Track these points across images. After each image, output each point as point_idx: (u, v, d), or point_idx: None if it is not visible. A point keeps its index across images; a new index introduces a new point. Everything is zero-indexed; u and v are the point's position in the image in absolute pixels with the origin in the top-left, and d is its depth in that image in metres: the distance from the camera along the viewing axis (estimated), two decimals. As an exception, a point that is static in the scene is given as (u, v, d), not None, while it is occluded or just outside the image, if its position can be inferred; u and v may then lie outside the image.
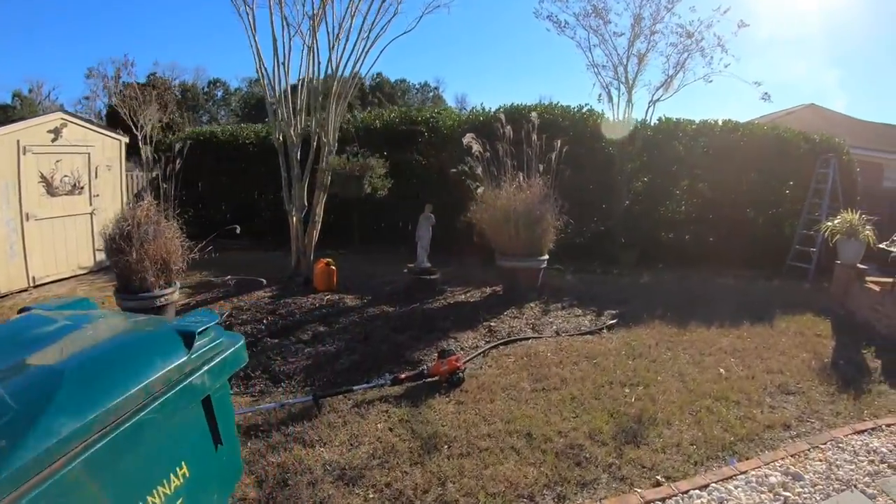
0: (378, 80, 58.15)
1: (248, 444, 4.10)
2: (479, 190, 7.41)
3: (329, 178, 7.81)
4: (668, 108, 30.00)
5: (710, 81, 10.86)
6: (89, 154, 8.80)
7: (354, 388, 4.83)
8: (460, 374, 4.97)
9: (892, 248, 7.63)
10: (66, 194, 8.43)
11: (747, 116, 11.61)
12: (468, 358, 5.52)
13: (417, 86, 69.05)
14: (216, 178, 12.84)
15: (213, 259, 7.20)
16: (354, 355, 5.54)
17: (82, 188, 8.69)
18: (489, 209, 7.39)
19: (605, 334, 6.44)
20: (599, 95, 11.23)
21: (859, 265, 7.92)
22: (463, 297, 7.58)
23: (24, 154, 7.72)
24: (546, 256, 7.55)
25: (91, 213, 8.83)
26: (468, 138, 7.39)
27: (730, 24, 16.39)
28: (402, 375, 4.96)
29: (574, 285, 8.73)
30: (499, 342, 5.97)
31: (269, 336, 5.93)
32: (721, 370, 5.50)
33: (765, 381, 5.31)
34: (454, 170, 7.55)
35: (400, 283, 7.69)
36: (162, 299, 5.88)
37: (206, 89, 56.30)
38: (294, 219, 7.62)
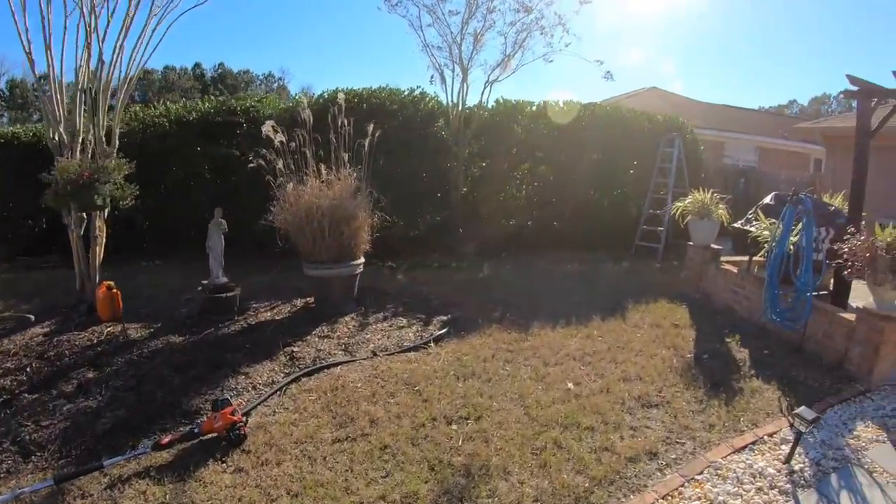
0: (220, 70, 54.68)
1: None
2: (289, 187, 6.74)
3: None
4: (506, 90, 30.36)
5: (551, 61, 10.69)
6: None
7: (105, 463, 4.12)
8: (239, 429, 4.44)
9: (748, 228, 7.39)
10: None
11: (590, 99, 11.74)
12: (258, 401, 4.94)
13: (262, 76, 66.71)
14: (19, 187, 10.72)
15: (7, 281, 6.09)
16: (121, 410, 4.76)
17: None
18: (291, 208, 6.70)
19: (433, 349, 6.07)
20: (432, 77, 10.72)
21: (713, 245, 8.08)
22: (268, 314, 6.90)
23: None
24: (361, 260, 7.02)
25: None
26: (267, 127, 6.55)
27: (571, 2, 16.25)
28: (165, 440, 4.32)
29: (403, 287, 8.30)
30: (299, 374, 5.41)
31: (28, 391, 4.99)
32: (570, 385, 5.21)
33: (622, 392, 5.04)
34: (251, 164, 6.79)
35: (198, 302, 6.88)
36: None
37: (35, 84, 49.96)
38: (73, 235, 6.51)
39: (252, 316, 6.74)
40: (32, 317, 6.59)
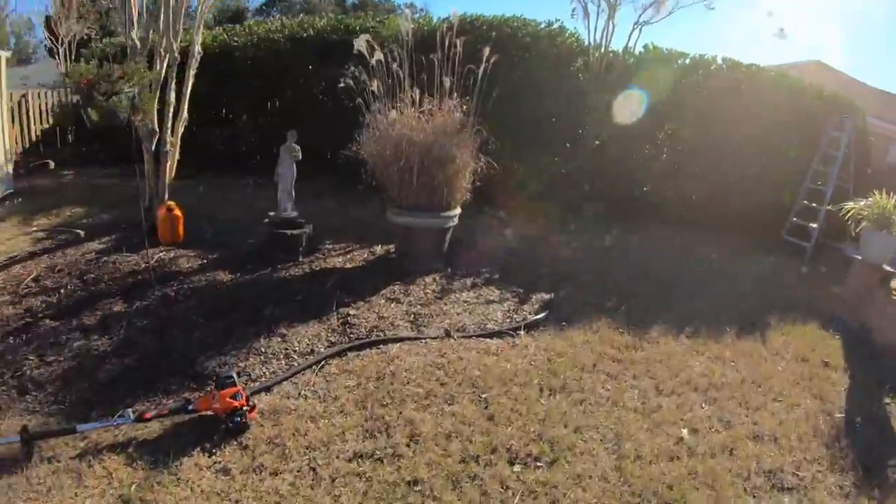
0: (360, -5, 53.28)
1: None
2: (383, 113, 5.54)
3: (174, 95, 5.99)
4: (657, 35, 25.51)
5: (712, 8, 8.59)
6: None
7: (78, 428, 3.52)
8: (241, 416, 3.55)
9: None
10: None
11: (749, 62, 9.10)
12: (283, 377, 4.05)
13: (404, 4, 65.01)
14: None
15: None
16: (131, 357, 4.15)
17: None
18: (381, 140, 5.54)
19: (521, 339, 4.76)
20: (573, 10, 8.75)
21: (886, 267, 5.98)
22: (339, 260, 5.87)
23: None
24: (456, 211, 5.72)
25: None
26: (361, 42, 5.41)
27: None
28: (149, 414, 3.61)
29: (506, 247, 6.81)
30: (345, 346, 4.41)
31: (52, 316, 4.56)
32: (684, 431, 3.80)
33: (749, 458, 3.61)
34: (341, 84, 5.64)
35: (262, 236, 6.01)
36: None
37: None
38: (144, 148, 5.96)
39: (319, 260, 5.82)
40: (81, 233, 6.25)
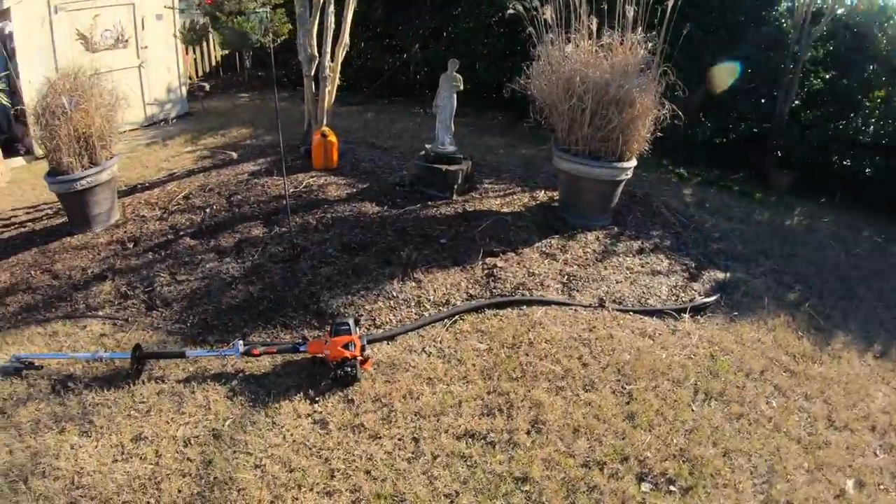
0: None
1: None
2: (568, 47, 4.58)
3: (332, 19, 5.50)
4: None
5: None
6: (134, 4, 7.63)
7: (188, 353, 3.37)
8: (351, 367, 3.13)
9: None
10: (107, 49, 7.39)
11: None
12: (410, 328, 3.57)
13: None
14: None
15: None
16: (256, 286, 3.92)
17: (127, 41, 7.61)
18: (552, 75, 4.61)
19: (685, 324, 3.80)
20: None
21: None
22: (496, 202, 5.05)
23: (56, 14, 6.72)
24: (631, 163, 4.62)
25: (139, 67, 7.79)
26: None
27: None
28: (257, 350, 3.33)
29: (683, 209, 5.52)
30: (483, 303, 3.79)
31: (192, 235, 4.52)
32: (848, 483, 2.80)
33: None
34: (510, 9, 4.70)
35: (417, 168, 5.28)
36: (83, 182, 4.59)
37: None
38: (303, 73, 5.67)
39: (474, 200, 5.11)
40: (234, 154, 6.16)
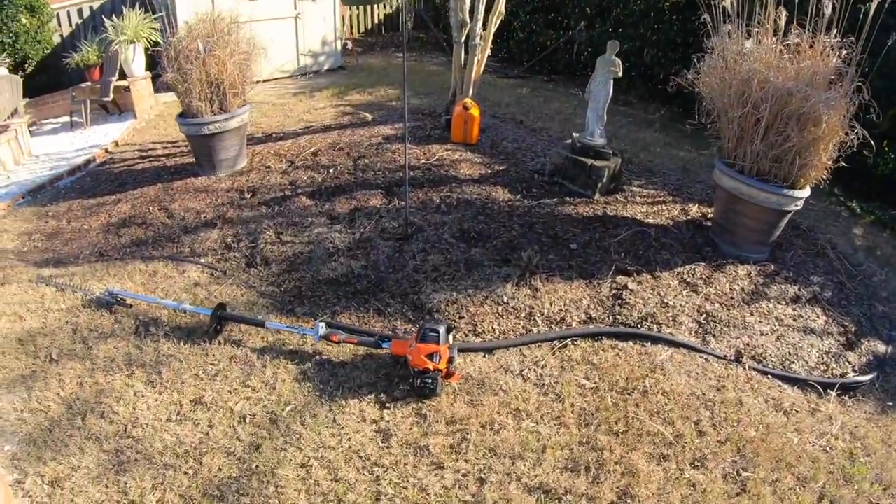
0: None
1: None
2: (748, 44, 3.69)
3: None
4: None
5: None
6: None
7: (268, 324, 3.19)
8: (431, 380, 2.70)
9: None
10: (267, -2, 7.80)
11: None
12: (517, 342, 3.06)
13: None
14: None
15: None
16: (359, 262, 3.61)
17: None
18: (725, 72, 3.70)
19: (830, 403, 2.92)
20: None
21: None
22: (642, 210, 4.22)
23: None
24: (805, 192, 3.60)
25: (296, 17, 7.75)
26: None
27: None
28: (336, 337, 3.03)
29: (850, 252, 4.18)
30: (602, 330, 3.15)
31: (309, 195, 4.30)
32: None
33: None
34: None
35: (560, 158, 4.52)
36: (211, 127, 4.55)
37: None
38: (453, 38, 5.17)
39: (617, 204, 4.32)
40: (369, 116, 5.84)
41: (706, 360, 3.08)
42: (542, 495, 2.35)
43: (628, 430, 2.66)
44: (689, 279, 3.54)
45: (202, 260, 3.79)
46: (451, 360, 2.79)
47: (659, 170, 5.15)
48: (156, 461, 2.50)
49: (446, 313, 3.22)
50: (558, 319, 3.23)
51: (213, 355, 3.01)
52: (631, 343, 3.15)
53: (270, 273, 3.61)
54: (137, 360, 3.01)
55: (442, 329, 2.80)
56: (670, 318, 3.28)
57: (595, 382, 2.89)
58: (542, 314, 3.26)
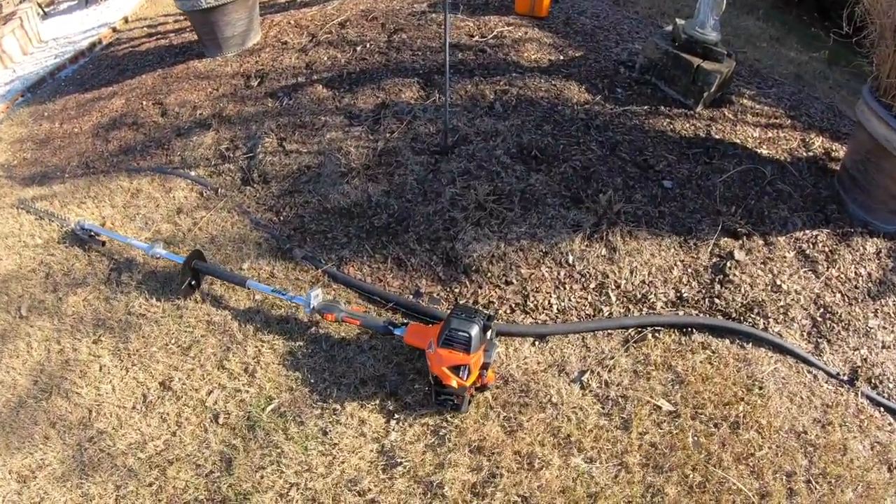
0: None
1: None
2: None
3: None
4: None
5: None
6: None
7: (248, 284, 2.47)
8: (454, 397, 2.01)
9: None
10: None
11: None
12: (577, 327, 2.27)
13: None
14: None
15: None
16: (379, 185, 2.75)
17: None
18: None
19: None
20: None
21: None
22: (753, 134, 3.01)
23: None
24: None
25: None
26: None
27: None
28: (331, 315, 2.28)
29: None
30: (692, 321, 2.26)
31: (327, 83, 3.33)
32: None
33: None
34: None
35: (656, 51, 3.21)
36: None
37: None
38: None
39: (724, 122, 3.10)
40: None
41: (815, 377, 2.21)
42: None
43: (706, 481, 1.92)
44: (808, 251, 2.51)
45: (192, 173, 3.07)
46: (485, 367, 2.03)
47: (769, 75, 3.74)
48: (119, 465, 2.04)
49: (489, 275, 2.41)
50: (639, 297, 2.37)
51: (188, 320, 2.40)
52: (728, 342, 2.27)
53: (269, 194, 2.86)
54: (105, 321, 2.47)
55: (475, 330, 1.96)
56: (781, 311, 2.35)
57: (676, 404, 2.10)
58: (618, 287, 2.39)
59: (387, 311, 2.39)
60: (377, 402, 2.11)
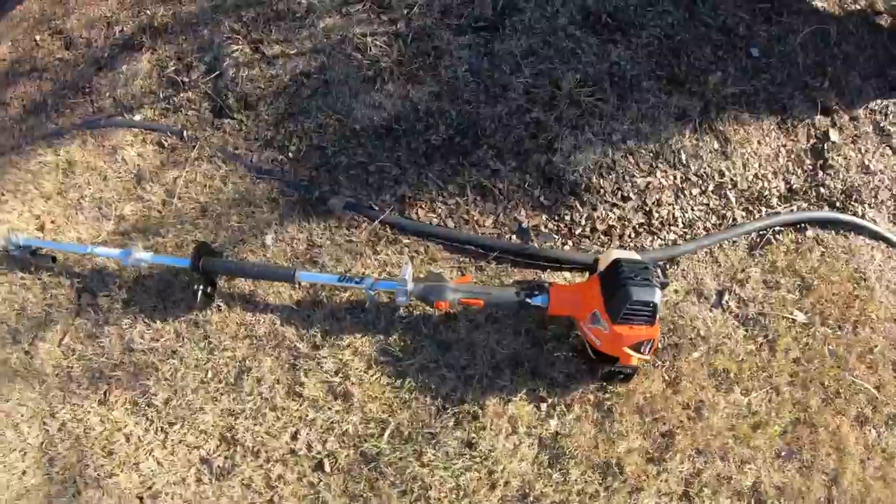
0: None
1: None
2: None
3: None
4: None
5: None
6: None
7: (299, 275, 1.72)
8: (630, 371, 1.64)
9: None
10: None
11: None
12: (719, 236, 1.97)
13: None
14: None
15: None
16: (418, 91, 2.05)
17: None
18: None
19: None
20: None
21: None
22: None
23: None
24: None
25: None
26: None
27: None
28: (447, 302, 1.65)
29: None
30: (806, 217, 2.04)
31: None
32: None
33: None
34: None
35: None
36: None
37: None
38: None
39: None
40: None
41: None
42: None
43: (839, 386, 1.86)
44: (881, 122, 2.26)
45: (137, 117, 2.13)
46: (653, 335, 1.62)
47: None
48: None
49: (601, 192, 1.94)
50: (755, 194, 2.07)
51: (220, 341, 1.76)
52: (833, 233, 2.09)
53: (260, 125, 2.06)
54: (103, 370, 1.77)
55: (657, 296, 1.52)
56: (872, 193, 2.17)
57: (807, 312, 1.94)
58: (734, 184, 2.05)
59: (489, 263, 1.85)
60: (521, 388, 1.73)
